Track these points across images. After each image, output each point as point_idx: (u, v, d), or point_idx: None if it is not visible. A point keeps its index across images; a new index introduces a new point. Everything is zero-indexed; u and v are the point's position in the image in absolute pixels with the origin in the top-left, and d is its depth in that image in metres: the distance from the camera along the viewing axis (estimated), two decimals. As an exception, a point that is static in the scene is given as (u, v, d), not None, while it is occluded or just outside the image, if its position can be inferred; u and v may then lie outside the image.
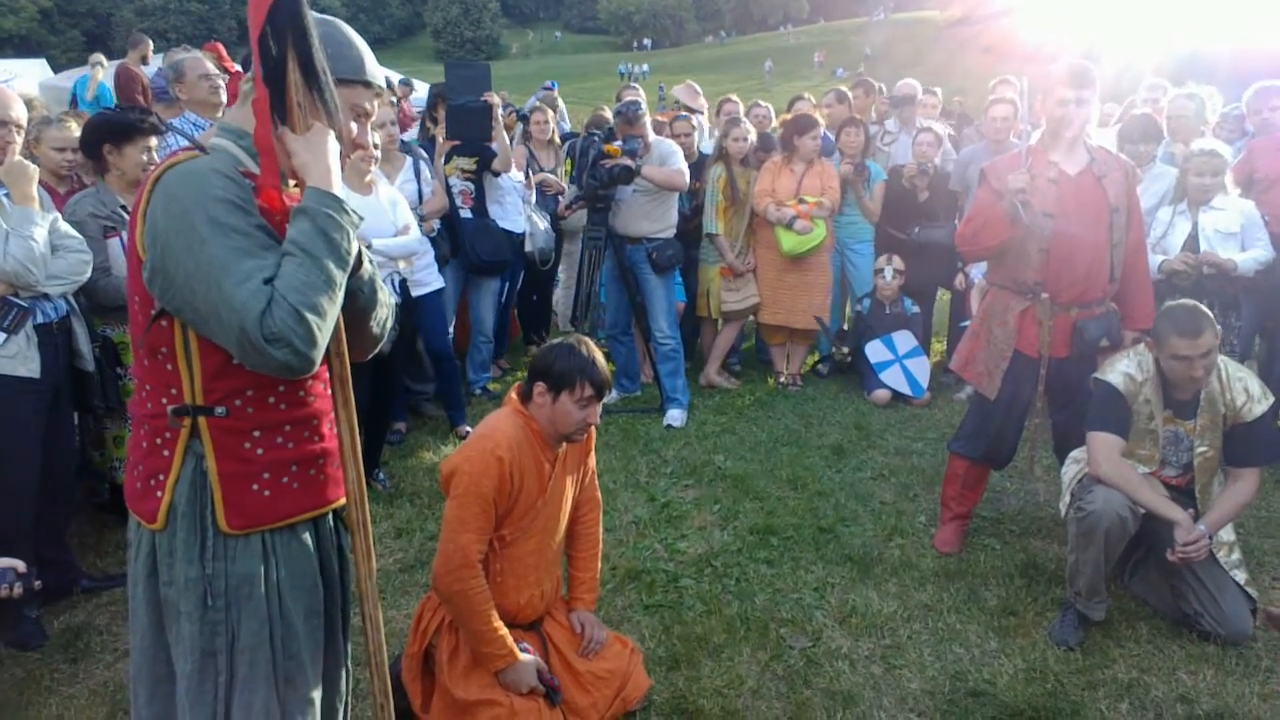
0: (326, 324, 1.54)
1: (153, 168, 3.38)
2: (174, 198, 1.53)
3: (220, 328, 1.51)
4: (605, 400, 5.79)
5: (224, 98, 4.59)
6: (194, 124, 4.46)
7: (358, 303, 1.76)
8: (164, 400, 1.66)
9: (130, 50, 8.02)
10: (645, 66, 43.53)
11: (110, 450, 3.67)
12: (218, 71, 4.63)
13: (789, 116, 6.09)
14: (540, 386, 2.57)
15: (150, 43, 8.04)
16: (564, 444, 2.69)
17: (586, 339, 2.66)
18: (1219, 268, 4.02)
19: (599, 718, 2.68)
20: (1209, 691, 2.88)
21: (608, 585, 3.49)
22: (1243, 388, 3.11)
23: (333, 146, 1.62)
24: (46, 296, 3.08)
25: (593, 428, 2.73)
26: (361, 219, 1.66)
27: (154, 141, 3.54)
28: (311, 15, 1.57)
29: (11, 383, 2.98)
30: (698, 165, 5.71)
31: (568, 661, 2.72)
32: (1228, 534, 3.22)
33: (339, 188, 1.61)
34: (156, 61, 7.79)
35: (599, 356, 2.60)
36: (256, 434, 1.69)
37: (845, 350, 5.85)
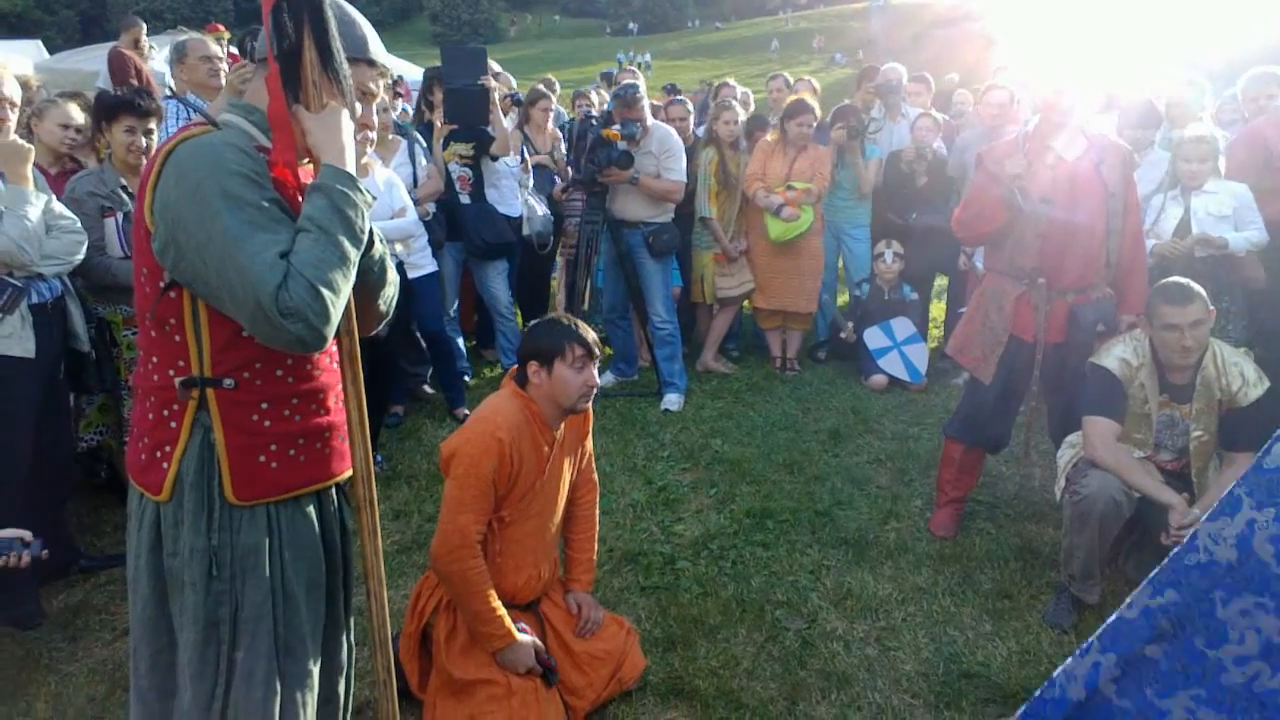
0: (340, 300, 1.56)
1: (144, 144, 3.43)
2: (187, 170, 1.54)
3: (233, 300, 1.51)
4: (603, 384, 5.80)
5: (223, 81, 4.57)
6: (195, 105, 4.46)
7: (368, 281, 1.78)
8: (171, 372, 1.66)
9: (123, 33, 7.95)
10: (647, 56, 42.98)
11: (94, 419, 3.65)
12: (221, 55, 4.61)
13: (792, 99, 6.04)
14: (533, 365, 2.59)
15: (143, 25, 7.96)
16: (562, 426, 2.70)
17: (565, 314, 2.69)
18: (1210, 245, 4.00)
19: (595, 698, 2.70)
20: (1201, 674, 2.90)
21: (605, 567, 3.51)
22: (1238, 372, 3.12)
23: (347, 125, 1.64)
24: (41, 276, 3.07)
25: (590, 410, 2.76)
26: (375, 198, 1.67)
27: (150, 123, 3.52)
28: None
29: (6, 363, 2.97)
30: (689, 150, 5.69)
31: (564, 642, 2.73)
32: (1221, 518, 3.24)
33: (353, 166, 1.63)
34: (157, 44, 7.75)
35: (580, 323, 2.64)
36: (264, 406, 1.70)
37: (850, 328, 5.82)
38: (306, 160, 1.69)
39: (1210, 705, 1.05)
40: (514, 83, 7.06)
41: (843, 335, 5.89)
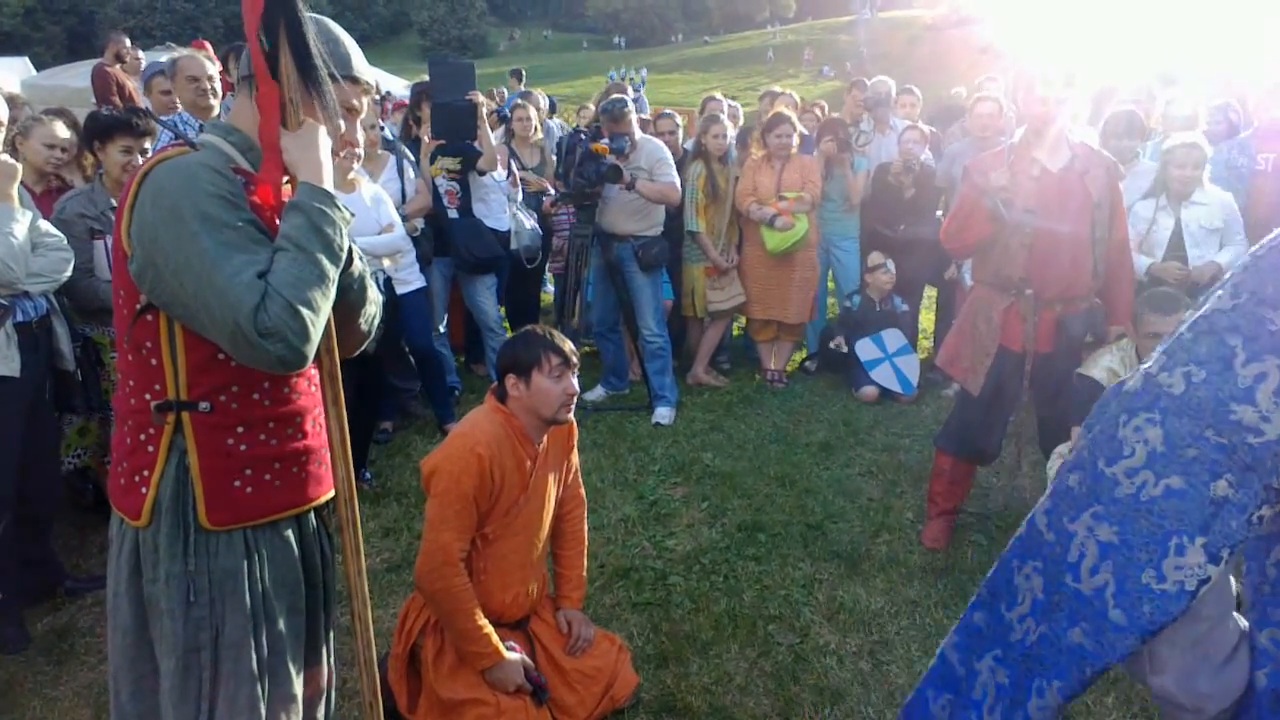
0: (320, 319, 1.54)
1: (140, 163, 3.41)
2: (163, 191, 1.53)
3: (212, 322, 1.50)
4: (593, 398, 5.77)
5: (212, 101, 4.55)
6: (186, 122, 4.44)
7: (348, 299, 1.77)
8: (147, 396, 1.65)
9: (106, 49, 7.93)
10: (644, 71, 42.88)
11: (72, 440, 3.63)
12: (212, 74, 4.57)
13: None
14: (511, 379, 2.58)
15: (126, 40, 7.92)
16: (545, 440, 2.69)
17: (541, 325, 2.69)
18: (1209, 276, 3.98)
19: (586, 715, 2.67)
20: (1193, 684, 2.89)
21: (596, 583, 3.49)
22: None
23: (324, 142, 1.63)
24: (27, 295, 3.05)
25: (574, 424, 2.76)
26: (353, 215, 1.67)
27: (145, 142, 3.50)
28: (305, 11, 1.57)
29: (-9, 382, 2.95)
30: (678, 163, 5.70)
31: (555, 660, 2.71)
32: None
33: (331, 183, 1.61)
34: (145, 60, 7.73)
35: (556, 333, 2.64)
36: (240, 430, 1.68)
37: (840, 341, 5.83)
38: (286, 181, 1.68)
39: (1105, 519, 1.13)
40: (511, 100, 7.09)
41: (832, 345, 5.89)
